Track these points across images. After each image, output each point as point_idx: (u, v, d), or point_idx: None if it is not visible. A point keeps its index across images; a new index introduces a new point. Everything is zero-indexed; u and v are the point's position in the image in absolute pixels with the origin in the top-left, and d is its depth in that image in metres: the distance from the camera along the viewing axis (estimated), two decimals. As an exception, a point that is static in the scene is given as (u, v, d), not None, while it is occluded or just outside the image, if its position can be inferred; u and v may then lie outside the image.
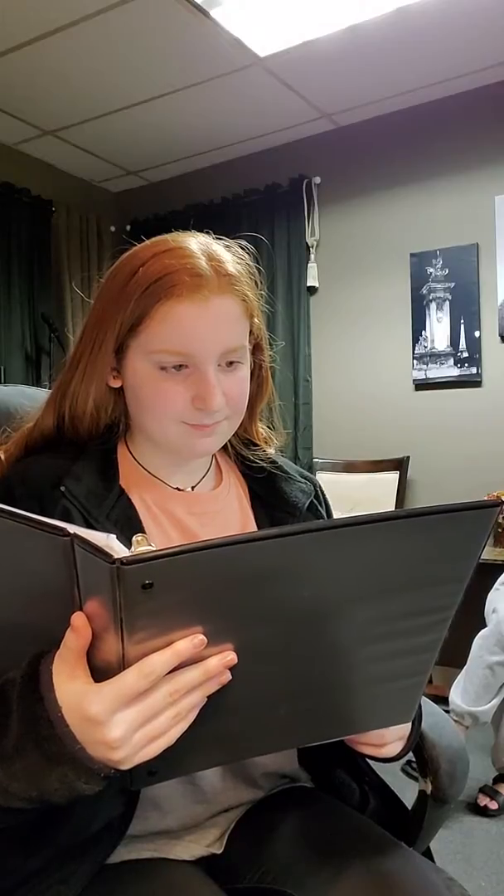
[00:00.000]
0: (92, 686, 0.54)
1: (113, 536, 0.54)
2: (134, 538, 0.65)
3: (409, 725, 0.74)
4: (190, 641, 0.53)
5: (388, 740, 0.73)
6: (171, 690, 0.54)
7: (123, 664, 0.53)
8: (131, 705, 0.53)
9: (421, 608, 0.60)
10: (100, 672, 0.55)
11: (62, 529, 0.51)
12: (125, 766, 0.54)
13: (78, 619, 0.54)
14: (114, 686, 0.52)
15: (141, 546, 0.65)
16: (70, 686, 0.54)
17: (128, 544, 0.75)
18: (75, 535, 0.51)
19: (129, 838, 0.77)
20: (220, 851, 0.82)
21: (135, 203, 4.26)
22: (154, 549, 0.51)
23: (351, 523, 0.52)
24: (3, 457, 0.84)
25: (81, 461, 0.81)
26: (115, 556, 0.48)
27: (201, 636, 0.53)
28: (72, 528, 0.52)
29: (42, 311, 3.76)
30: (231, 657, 0.55)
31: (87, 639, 0.54)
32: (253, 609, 0.55)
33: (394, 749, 0.74)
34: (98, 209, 4.16)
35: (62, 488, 0.77)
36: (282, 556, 0.53)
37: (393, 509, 3.15)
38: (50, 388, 0.88)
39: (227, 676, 0.56)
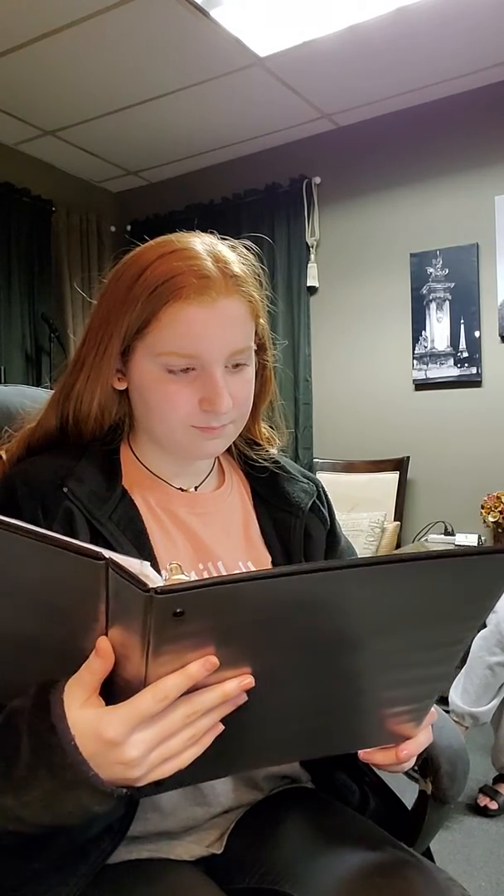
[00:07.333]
0: (106, 709, 0.54)
1: (147, 564, 0.55)
2: (168, 565, 0.66)
3: None
4: (202, 665, 0.53)
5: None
6: (189, 712, 0.54)
7: (144, 684, 0.53)
8: (148, 726, 0.53)
9: (439, 641, 0.61)
10: (119, 690, 0.55)
11: (98, 554, 0.51)
12: (140, 784, 0.55)
13: (103, 643, 0.54)
14: (129, 708, 0.53)
15: (175, 574, 0.66)
16: (83, 713, 0.54)
17: (134, 548, 0.75)
18: (111, 560, 0.51)
19: (130, 839, 0.77)
20: (220, 852, 0.82)
21: (135, 203, 4.25)
22: (186, 578, 0.51)
23: (383, 561, 0.52)
24: (4, 456, 0.84)
25: (84, 462, 0.81)
26: (151, 586, 0.48)
27: (213, 658, 0.53)
28: (107, 553, 0.52)
29: (42, 311, 3.76)
30: (248, 681, 0.56)
31: (110, 664, 0.55)
32: (276, 637, 0.56)
33: (410, 763, 0.74)
34: (98, 209, 4.16)
35: (65, 489, 0.77)
36: (312, 590, 0.53)
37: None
38: (50, 388, 0.88)
39: (243, 698, 0.56)
